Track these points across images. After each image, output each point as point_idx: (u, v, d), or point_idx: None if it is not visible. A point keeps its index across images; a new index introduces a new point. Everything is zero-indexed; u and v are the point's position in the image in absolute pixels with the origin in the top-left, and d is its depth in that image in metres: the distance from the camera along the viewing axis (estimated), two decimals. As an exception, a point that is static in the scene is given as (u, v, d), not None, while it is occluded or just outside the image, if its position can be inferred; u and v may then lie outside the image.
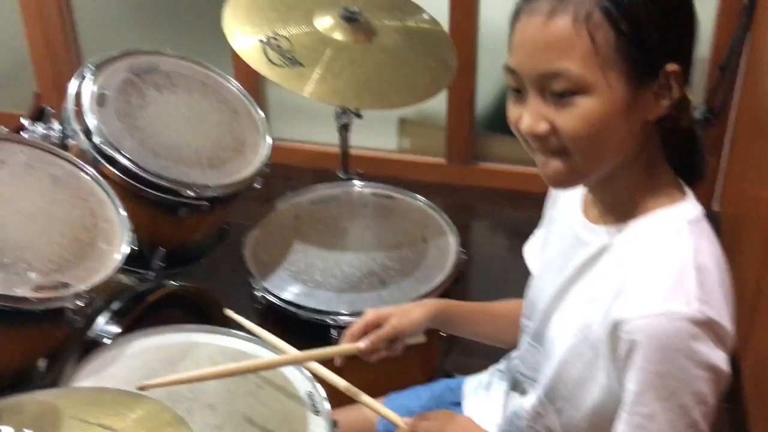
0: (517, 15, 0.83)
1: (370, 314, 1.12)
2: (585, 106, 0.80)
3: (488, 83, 2.74)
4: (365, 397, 1.06)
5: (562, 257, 0.97)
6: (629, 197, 0.88)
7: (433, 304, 1.16)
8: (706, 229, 0.86)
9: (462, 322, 1.19)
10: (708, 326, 0.78)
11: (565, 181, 0.87)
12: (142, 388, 0.91)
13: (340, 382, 1.08)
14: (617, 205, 0.89)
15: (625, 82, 0.79)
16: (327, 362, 1.13)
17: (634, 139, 0.84)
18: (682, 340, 0.77)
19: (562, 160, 0.84)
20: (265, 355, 1.20)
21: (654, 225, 0.86)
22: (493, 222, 2.79)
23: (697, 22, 0.84)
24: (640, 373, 0.79)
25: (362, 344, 1.09)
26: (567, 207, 1.00)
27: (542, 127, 0.82)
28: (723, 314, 0.80)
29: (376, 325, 1.11)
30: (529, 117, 0.83)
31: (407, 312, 1.12)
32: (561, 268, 0.96)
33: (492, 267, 2.39)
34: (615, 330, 0.82)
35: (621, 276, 0.84)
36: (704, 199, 0.89)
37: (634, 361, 0.79)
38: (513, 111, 0.86)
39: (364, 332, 1.10)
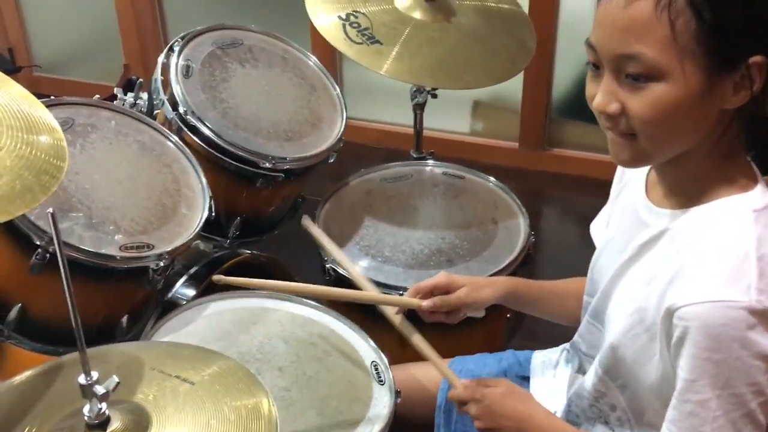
0: None
1: (443, 277, 1.14)
2: (657, 92, 0.79)
3: (566, 68, 2.69)
4: (429, 350, 1.08)
5: (624, 237, 0.96)
6: (696, 182, 0.87)
7: (505, 283, 1.17)
8: None
9: (530, 300, 1.20)
10: (765, 316, 0.76)
11: (631, 161, 0.87)
12: (218, 281, 1.01)
13: (396, 319, 1.11)
14: (682, 188, 0.88)
15: (702, 71, 0.78)
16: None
17: (707, 127, 0.83)
18: (738, 329, 0.76)
19: (629, 141, 0.84)
20: (333, 322, 1.24)
21: (717, 211, 0.84)
22: (564, 208, 2.76)
23: None
24: (693, 360, 0.78)
25: (425, 303, 1.11)
26: (632, 186, 1.00)
27: (613, 107, 0.82)
28: None
29: (445, 289, 1.12)
30: (601, 95, 0.83)
31: (478, 288, 1.13)
32: (622, 247, 0.95)
33: (561, 253, 2.37)
34: (669, 315, 0.81)
35: (679, 260, 0.84)
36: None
37: (687, 348, 0.79)
38: (590, 86, 0.86)
39: (431, 293, 1.12)
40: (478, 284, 1.14)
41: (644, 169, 0.97)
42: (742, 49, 0.78)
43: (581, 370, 1.10)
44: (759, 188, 0.85)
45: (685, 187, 0.88)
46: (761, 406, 0.78)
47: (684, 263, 0.83)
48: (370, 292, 1.17)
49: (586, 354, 1.08)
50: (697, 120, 0.82)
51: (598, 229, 1.13)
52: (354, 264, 1.49)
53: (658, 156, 0.86)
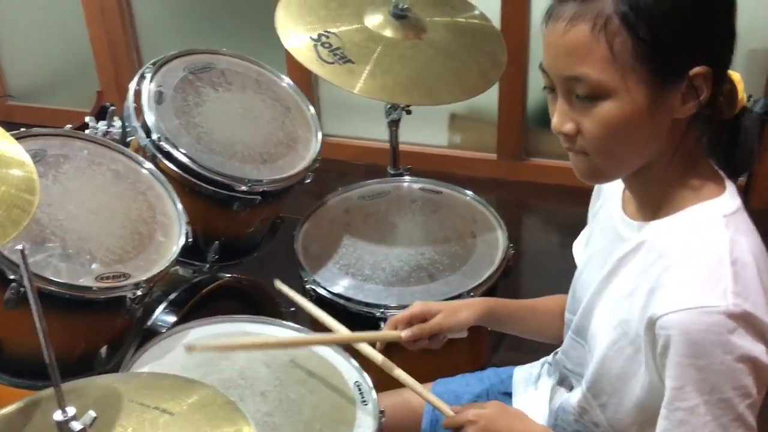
0: (547, 16, 0.84)
1: (418, 306, 1.14)
2: (605, 110, 0.81)
3: (540, 79, 2.70)
4: (412, 381, 1.07)
5: (603, 252, 0.97)
6: (664, 192, 0.88)
7: (481, 304, 1.17)
8: (744, 222, 0.85)
9: (508, 320, 1.20)
10: (744, 319, 0.77)
11: (592, 177, 0.89)
12: (190, 349, 0.96)
13: (377, 357, 1.11)
14: (652, 200, 0.90)
15: (645, 86, 0.80)
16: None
17: (661, 138, 0.84)
18: (719, 334, 0.77)
19: (586, 159, 0.86)
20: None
21: (689, 219, 0.85)
22: (545, 217, 2.77)
23: (733, 21, 0.83)
24: (678, 368, 0.79)
25: (404, 334, 1.11)
26: (609, 203, 1.01)
27: (568, 127, 0.85)
28: (761, 308, 0.79)
29: (422, 318, 1.12)
30: (557, 116, 0.85)
31: (455, 311, 1.13)
32: (602, 263, 0.96)
33: (543, 262, 2.38)
34: (651, 325, 0.82)
35: (656, 271, 0.85)
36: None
37: (671, 356, 0.79)
38: (551, 108, 0.88)
39: (409, 322, 1.12)
40: (455, 308, 1.14)
41: (620, 186, 0.98)
42: (681, 62, 0.80)
43: (564, 384, 1.11)
44: (728, 193, 0.87)
45: (655, 199, 0.89)
46: (750, 408, 0.79)
47: (661, 273, 0.84)
48: (348, 333, 1.16)
49: (571, 371, 1.08)
50: (648, 133, 0.83)
51: (579, 248, 1.14)
52: (335, 285, 1.50)
53: (616, 171, 0.88)
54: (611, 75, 0.79)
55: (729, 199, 0.86)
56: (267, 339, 1.13)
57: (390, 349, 1.14)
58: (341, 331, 1.16)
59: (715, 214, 0.84)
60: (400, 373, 1.08)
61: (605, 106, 0.81)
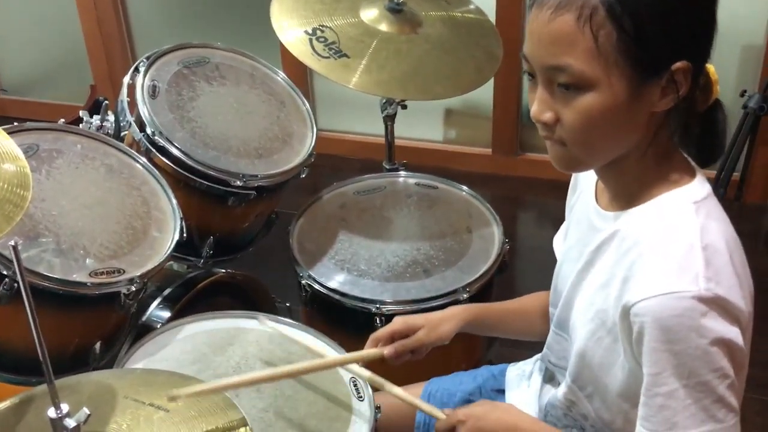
0: (532, 2, 0.84)
1: (399, 323, 1.13)
2: (586, 101, 0.81)
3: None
4: (396, 389, 1.07)
5: (579, 244, 0.98)
6: (636, 182, 0.89)
7: (462, 314, 1.17)
8: (714, 208, 0.85)
9: (492, 324, 1.20)
10: (716, 303, 0.78)
11: (568, 166, 0.89)
12: (172, 399, 0.89)
13: (363, 373, 1.10)
14: (625, 190, 0.90)
15: (627, 79, 0.80)
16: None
17: (638, 131, 0.85)
18: (692, 318, 0.77)
19: (563, 148, 0.86)
20: (310, 339, 1.23)
21: (660, 207, 0.86)
22: (540, 212, 2.77)
23: (714, 16, 0.82)
24: (654, 354, 0.79)
25: (386, 351, 1.10)
26: (584, 196, 1.01)
27: (547, 116, 0.84)
28: (734, 292, 0.79)
29: (403, 334, 1.12)
30: (536, 104, 0.85)
31: (436, 326, 1.13)
32: (578, 255, 0.97)
33: (538, 257, 2.38)
34: (626, 313, 0.82)
35: (630, 260, 0.85)
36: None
37: (646, 343, 0.80)
38: (530, 95, 0.87)
39: (390, 339, 1.12)
40: (436, 322, 1.14)
41: (594, 178, 0.98)
42: (664, 57, 0.80)
43: (553, 381, 1.11)
44: (697, 181, 0.87)
45: (628, 189, 0.90)
46: (730, 389, 0.79)
47: (634, 261, 0.84)
48: (331, 357, 1.14)
49: (555, 365, 1.09)
50: (626, 125, 0.84)
51: (558, 241, 1.14)
52: (330, 280, 1.49)
53: (592, 161, 0.89)
54: (594, 67, 0.79)
55: (698, 185, 0.87)
56: (251, 376, 1.05)
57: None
58: (326, 355, 1.14)
59: (685, 200, 0.85)
60: (391, 388, 1.07)
61: (586, 97, 0.81)
